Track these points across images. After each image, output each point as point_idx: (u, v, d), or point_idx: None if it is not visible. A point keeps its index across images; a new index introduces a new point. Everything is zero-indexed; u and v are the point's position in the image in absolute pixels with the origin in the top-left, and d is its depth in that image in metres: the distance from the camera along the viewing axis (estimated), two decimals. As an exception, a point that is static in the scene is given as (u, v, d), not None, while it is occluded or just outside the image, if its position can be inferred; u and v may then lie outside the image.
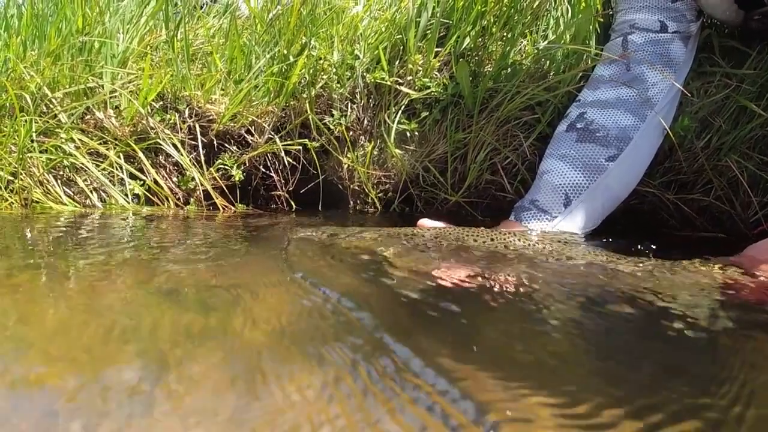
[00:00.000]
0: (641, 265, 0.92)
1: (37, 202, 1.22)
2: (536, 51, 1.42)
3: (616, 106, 1.19)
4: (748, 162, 1.29)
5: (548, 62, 1.42)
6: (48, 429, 0.44)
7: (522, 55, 1.45)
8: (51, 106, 1.28)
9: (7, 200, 1.18)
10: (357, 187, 1.52)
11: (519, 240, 1.01)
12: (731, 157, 1.29)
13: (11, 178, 1.19)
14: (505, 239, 1.00)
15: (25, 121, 1.21)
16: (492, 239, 1.00)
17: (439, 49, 1.48)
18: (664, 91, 1.19)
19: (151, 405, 0.47)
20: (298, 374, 0.53)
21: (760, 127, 1.27)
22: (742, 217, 1.32)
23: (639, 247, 1.03)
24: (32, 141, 1.23)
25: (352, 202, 1.52)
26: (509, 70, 1.44)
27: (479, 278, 0.84)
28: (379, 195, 1.52)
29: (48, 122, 1.26)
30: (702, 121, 1.31)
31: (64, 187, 1.26)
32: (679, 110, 1.28)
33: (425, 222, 1.10)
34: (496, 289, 0.80)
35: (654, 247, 1.02)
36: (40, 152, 1.24)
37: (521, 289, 0.81)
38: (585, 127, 1.19)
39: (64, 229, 1.11)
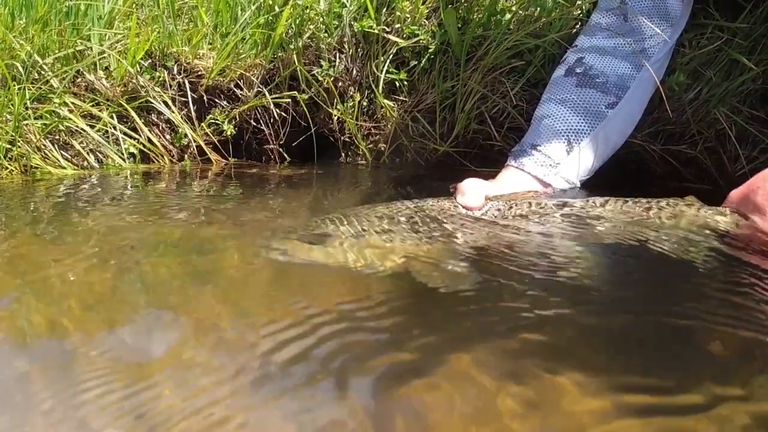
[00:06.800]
0: (647, 212, 0.93)
1: (37, 168, 1.29)
2: (526, -4, 1.37)
3: (613, 54, 1.17)
4: (737, 116, 1.26)
5: (538, 9, 1.37)
6: (67, 370, 0.54)
7: (512, 1, 1.40)
8: (42, 72, 1.32)
9: (6, 168, 1.25)
10: (347, 139, 1.54)
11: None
12: (720, 110, 1.26)
13: (9, 146, 1.26)
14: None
15: (19, 89, 1.26)
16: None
17: (428, -5, 1.44)
18: (660, 44, 1.17)
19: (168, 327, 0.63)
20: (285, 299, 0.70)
21: (752, 81, 1.23)
22: (728, 171, 1.31)
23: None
24: (27, 108, 1.28)
25: (343, 154, 1.55)
26: (498, 16, 1.39)
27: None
28: (370, 146, 1.54)
29: (41, 88, 1.30)
30: (692, 73, 1.27)
31: (62, 151, 1.33)
32: (672, 60, 1.24)
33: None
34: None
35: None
36: (36, 119, 1.29)
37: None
38: (584, 72, 1.17)
39: (68, 190, 1.19)
